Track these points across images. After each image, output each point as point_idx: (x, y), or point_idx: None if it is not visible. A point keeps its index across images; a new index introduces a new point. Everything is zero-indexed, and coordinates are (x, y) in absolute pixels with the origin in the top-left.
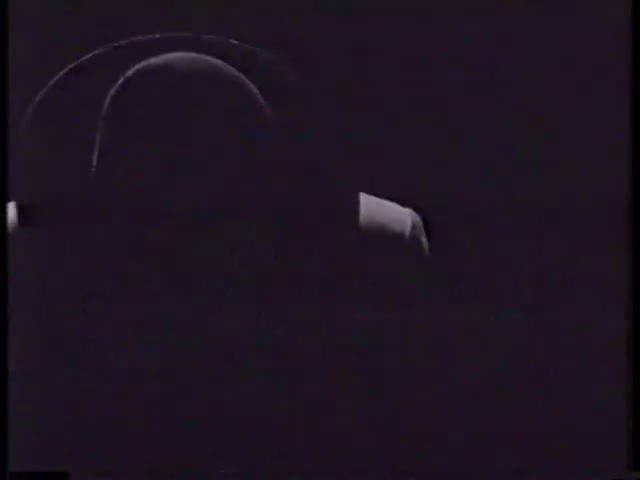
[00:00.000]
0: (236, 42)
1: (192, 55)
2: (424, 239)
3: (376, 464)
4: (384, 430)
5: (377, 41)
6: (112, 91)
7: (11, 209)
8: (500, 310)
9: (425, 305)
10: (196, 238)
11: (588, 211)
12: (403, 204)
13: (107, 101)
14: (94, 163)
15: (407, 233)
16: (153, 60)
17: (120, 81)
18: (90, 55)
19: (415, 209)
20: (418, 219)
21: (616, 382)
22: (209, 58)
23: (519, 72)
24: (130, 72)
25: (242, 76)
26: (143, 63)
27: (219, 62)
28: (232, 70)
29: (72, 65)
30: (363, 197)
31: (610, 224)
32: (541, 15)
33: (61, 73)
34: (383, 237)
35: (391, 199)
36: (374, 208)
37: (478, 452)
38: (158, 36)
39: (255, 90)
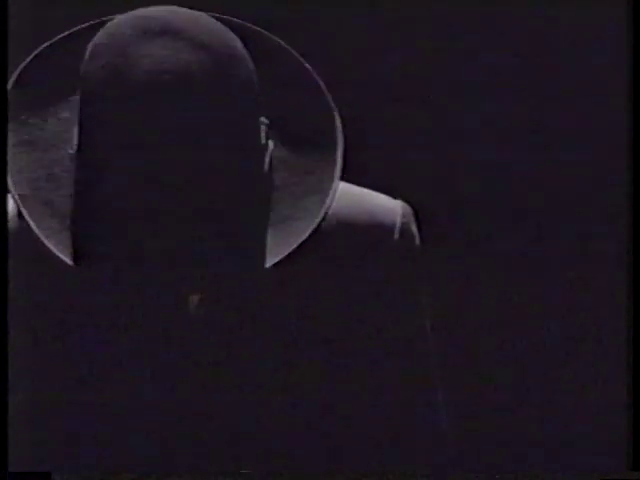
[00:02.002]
0: (235, 20)
1: (174, 7)
2: (415, 229)
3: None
4: (385, 431)
5: (373, 31)
6: (93, 41)
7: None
8: (499, 309)
9: (418, 297)
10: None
11: (588, 209)
12: (395, 197)
13: (88, 52)
14: (76, 121)
15: (398, 223)
16: (133, 12)
17: (100, 32)
18: (76, 28)
19: (410, 203)
20: (409, 209)
21: (616, 382)
22: (191, 10)
23: (516, 67)
24: (110, 23)
25: (226, 29)
26: (124, 15)
27: (202, 14)
28: (215, 22)
29: (59, 36)
30: (352, 188)
31: (610, 221)
32: (541, 14)
33: (41, 46)
34: (373, 226)
35: (383, 192)
36: (363, 198)
37: (478, 452)
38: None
39: (242, 47)
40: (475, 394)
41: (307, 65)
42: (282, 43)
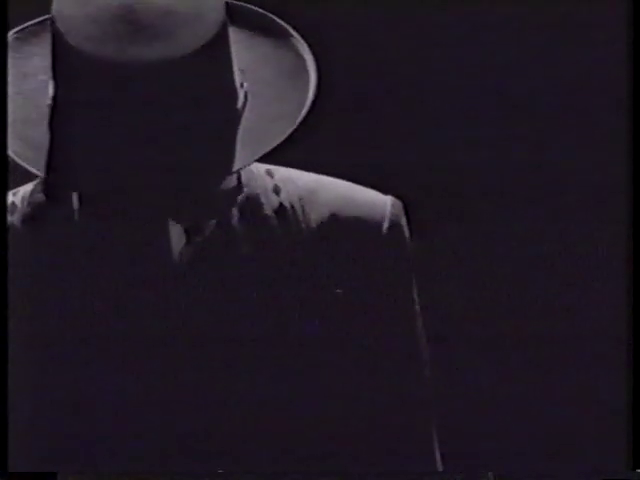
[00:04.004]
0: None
1: None
2: (405, 223)
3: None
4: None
5: (361, 24)
6: None
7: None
8: (497, 307)
9: (411, 292)
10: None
11: (587, 206)
12: (385, 193)
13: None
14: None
15: (387, 217)
16: None
17: None
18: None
19: (402, 199)
20: (399, 204)
21: (616, 382)
22: None
23: (512, 63)
24: None
25: None
26: None
27: None
28: None
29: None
30: (342, 182)
31: (610, 219)
32: (541, 14)
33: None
34: (362, 220)
35: (372, 187)
36: (353, 192)
37: (478, 452)
38: None
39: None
40: (474, 393)
41: (274, 16)
42: (249, 5)
